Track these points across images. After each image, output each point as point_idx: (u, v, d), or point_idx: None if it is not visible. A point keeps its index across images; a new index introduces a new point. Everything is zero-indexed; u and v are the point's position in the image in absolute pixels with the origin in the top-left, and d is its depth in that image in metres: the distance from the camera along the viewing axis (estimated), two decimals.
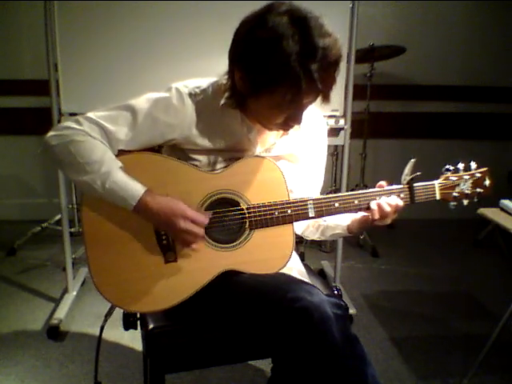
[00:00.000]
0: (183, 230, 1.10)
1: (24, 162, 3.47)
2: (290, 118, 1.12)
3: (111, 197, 1.10)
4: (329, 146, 1.42)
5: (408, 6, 3.43)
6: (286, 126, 1.15)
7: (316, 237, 1.40)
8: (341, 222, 1.32)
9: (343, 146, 2.24)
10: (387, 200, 1.20)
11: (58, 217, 3.00)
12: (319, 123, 1.34)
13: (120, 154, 1.14)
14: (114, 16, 2.02)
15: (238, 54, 1.08)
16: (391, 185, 1.25)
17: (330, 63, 1.02)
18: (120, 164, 1.11)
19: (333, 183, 3.21)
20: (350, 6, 2.07)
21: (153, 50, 2.03)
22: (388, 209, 1.19)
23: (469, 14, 3.48)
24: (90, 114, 1.13)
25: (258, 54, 1.01)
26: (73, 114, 2.04)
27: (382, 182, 1.24)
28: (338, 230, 1.33)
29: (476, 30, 3.50)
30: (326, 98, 1.08)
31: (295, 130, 1.21)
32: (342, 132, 2.18)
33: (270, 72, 1.01)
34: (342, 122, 2.16)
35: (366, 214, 1.24)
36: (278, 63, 0.99)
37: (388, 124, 3.59)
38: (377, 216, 1.19)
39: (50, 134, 1.12)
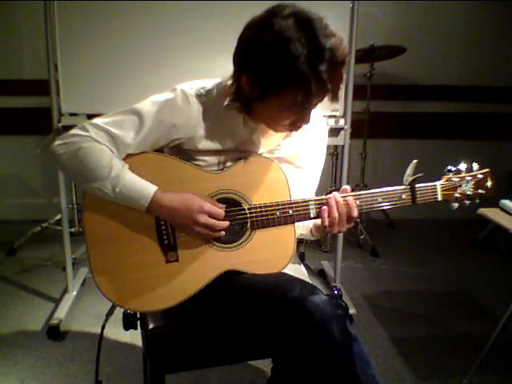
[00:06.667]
0: (203, 225, 1.11)
1: (24, 162, 3.46)
2: (298, 119, 1.12)
3: (123, 200, 1.11)
4: (329, 146, 1.42)
5: (408, 5, 3.43)
6: (293, 126, 1.15)
7: None
8: (308, 223, 1.30)
9: (343, 146, 2.23)
10: (339, 206, 1.17)
11: (58, 217, 3.00)
12: (320, 124, 1.34)
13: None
14: (114, 16, 2.01)
15: (244, 60, 1.07)
16: (392, 186, 1.24)
17: (337, 63, 1.03)
18: (128, 166, 1.12)
19: (333, 183, 3.21)
20: (350, 6, 2.07)
21: (153, 51, 2.02)
22: (335, 215, 1.16)
23: (469, 13, 3.48)
24: (96, 121, 1.13)
25: (267, 59, 1.01)
26: (73, 114, 2.04)
27: (346, 186, 1.21)
28: (304, 230, 1.32)
29: (476, 29, 3.49)
30: (335, 97, 1.08)
31: (299, 131, 1.20)
32: (342, 132, 2.17)
33: (280, 76, 1.01)
34: (342, 121, 2.16)
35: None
36: (287, 66, 0.99)
37: (388, 124, 3.59)
38: (326, 222, 1.17)
39: (57, 142, 1.11)
